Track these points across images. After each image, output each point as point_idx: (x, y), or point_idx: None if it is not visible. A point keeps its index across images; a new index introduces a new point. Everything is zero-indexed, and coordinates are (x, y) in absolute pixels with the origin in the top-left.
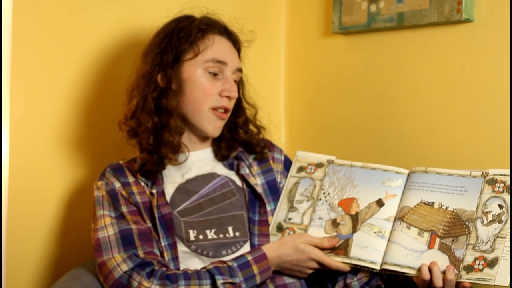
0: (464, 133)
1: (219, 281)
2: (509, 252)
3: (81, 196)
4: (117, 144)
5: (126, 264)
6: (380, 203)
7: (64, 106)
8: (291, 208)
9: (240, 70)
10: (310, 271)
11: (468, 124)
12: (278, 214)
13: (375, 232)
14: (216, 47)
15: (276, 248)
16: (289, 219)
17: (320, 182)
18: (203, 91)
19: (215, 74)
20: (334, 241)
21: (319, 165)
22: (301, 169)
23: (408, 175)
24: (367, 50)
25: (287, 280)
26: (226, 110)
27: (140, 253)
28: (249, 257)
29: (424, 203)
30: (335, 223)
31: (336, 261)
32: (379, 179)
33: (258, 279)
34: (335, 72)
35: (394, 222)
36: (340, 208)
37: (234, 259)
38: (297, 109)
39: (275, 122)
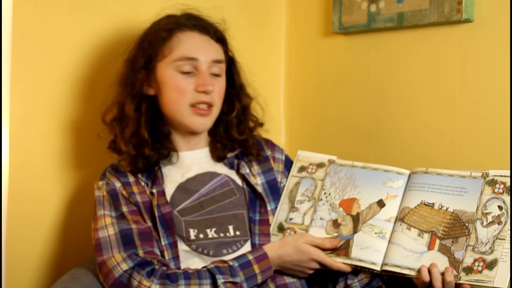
0: (464, 133)
1: (220, 280)
2: (508, 254)
3: (81, 196)
4: None
5: (126, 263)
6: (381, 203)
7: (63, 107)
8: (292, 208)
9: (219, 61)
10: (310, 271)
11: (468, 124)
12: (279, 214)
13: (376, 233)
14: (183, 44)
15: (277, 248)
16: (290, 219)
17: (321, 182)
18: (178, 90)
19: (188, 72)
20: (335, 242)
21: (320, 165)
22: (302, 169)
23: (409, 176)
24: (367, 50)
25: (288, 279)
26: (209, 105)
27: (140, 252)
28: (250, 257)
29: (424, 204)
30: (336, 224)
31: (337, 262)
32: (380, 179)
33: (259, 279)
34: (335, 72)
35: (394, 223)
36: (341, 209)
37: (235, 259)
38: (297, 109)
39: (275, 121)
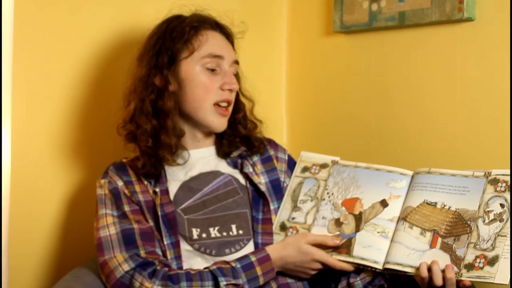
0: (466, 131)
1: (222, 282)
2: (510, 251)
3: (82, 196)
4: (118, 144)
5: (128, 264)
6: (384, 203)
7: (65, 106)
8: (295, 207)
9: (237, 62)
10: (313, 272)
11: (469, 123)
12: (282, 213)
13: (378, 232)
14: (210, 42)
15: (279, 250)
16: (293, 218)
17: (324, 182)
18: (204, 87)
19: (213, 70)
20: (337, 240)
21: (323, 166)
22: (305, 169)
23: (412, 177)
24: (368, 49)
25: (290, 279)
26: (228, 104)
27: (142, 252)
28: (253, 258)
29: (427, 203)
30: (338, 223)
31: (340, 262)
32: (384, 180)
33: (261, 280)
34: (337, 71)
35: (397, 222)
36: (343, 208)
37: (238, 260)
38: (299, 108)
39: (276, 121)
